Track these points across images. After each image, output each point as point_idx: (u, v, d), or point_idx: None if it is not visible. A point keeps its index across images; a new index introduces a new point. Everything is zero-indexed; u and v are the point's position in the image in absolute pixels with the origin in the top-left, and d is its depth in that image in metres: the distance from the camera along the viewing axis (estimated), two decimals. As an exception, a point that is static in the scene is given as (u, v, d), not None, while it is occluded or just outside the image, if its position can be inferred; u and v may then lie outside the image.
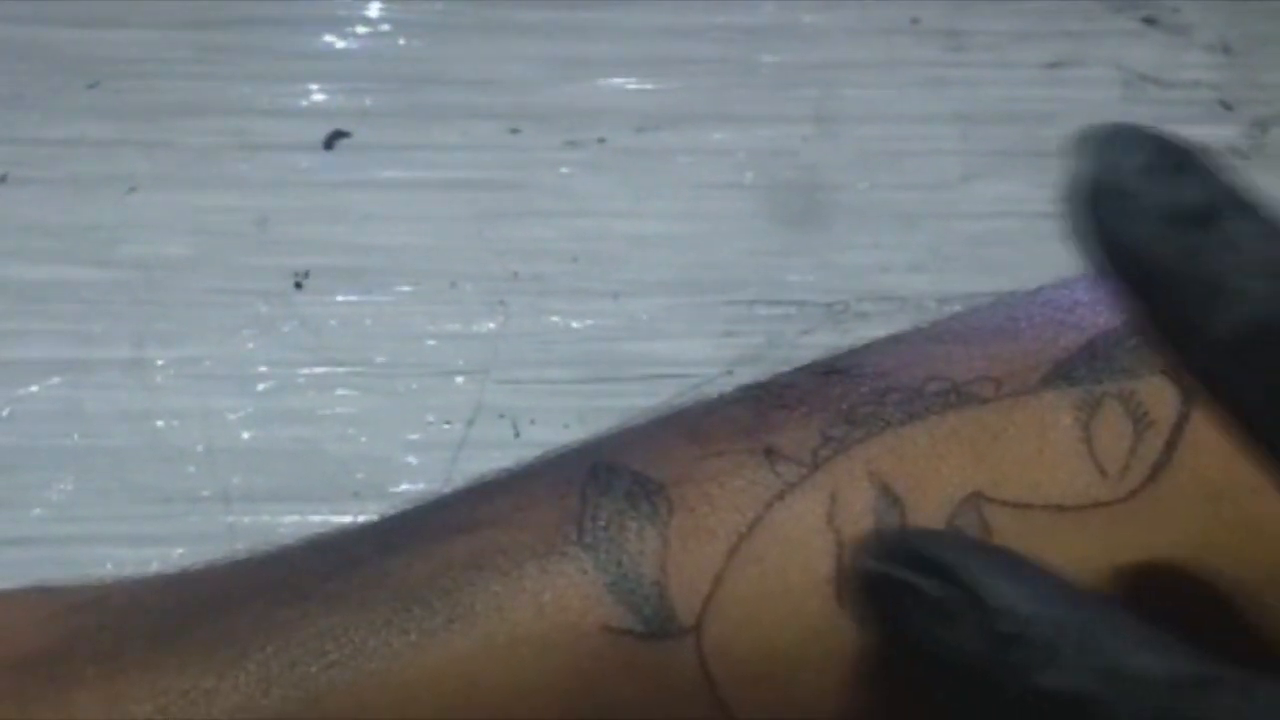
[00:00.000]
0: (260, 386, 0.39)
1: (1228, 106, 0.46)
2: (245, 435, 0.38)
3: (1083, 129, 0.22)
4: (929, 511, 0.24)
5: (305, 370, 0.40)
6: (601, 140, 0.45)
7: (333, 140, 0.44)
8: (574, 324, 0.41)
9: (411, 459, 0.38)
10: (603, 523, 0.24)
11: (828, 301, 0.41)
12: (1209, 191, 0.20)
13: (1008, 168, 0.44)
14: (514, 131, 0.45)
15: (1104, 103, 0.46)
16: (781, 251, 0.43)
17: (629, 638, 0.23)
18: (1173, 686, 0.20)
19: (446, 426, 0.39)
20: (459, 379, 0.40)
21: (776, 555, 0.24)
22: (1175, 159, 0.20)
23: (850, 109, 0.46)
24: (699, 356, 0.40)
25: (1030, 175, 0.44)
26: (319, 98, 0.45)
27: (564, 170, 0.44)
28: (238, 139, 0.44)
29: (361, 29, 0.47)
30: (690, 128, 0.45)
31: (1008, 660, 0.20)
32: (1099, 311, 0.26)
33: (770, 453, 0.25)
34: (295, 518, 0.37)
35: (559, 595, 0.24)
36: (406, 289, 0.42)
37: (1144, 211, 0.20)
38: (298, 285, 0.41)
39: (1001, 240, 0.43)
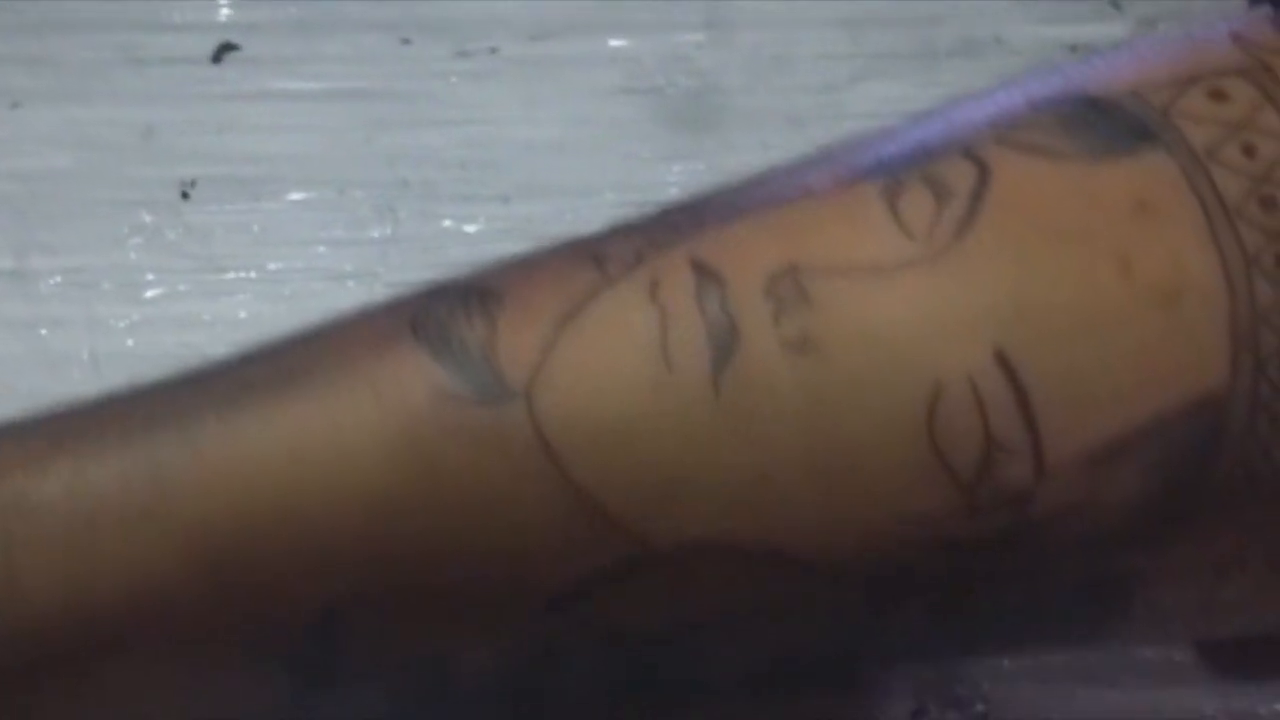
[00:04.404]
0: (147, 294, 0.39)
1: (1116, 6, 0.46)
2: (130, 342, 0.38)
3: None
4: (747, 282, 0.25)
5: (193, 277, 0.40)
6: (493, 50, 0.45)
7: (221, 53, 0.44)
8: (466, 228, 0.41)
9: (300, 362, 0.38)
10: (436, 317, 0.25)
11: (718, 201, 0.42)
12: None
13: (896, 69, 0.45)
14: (405, 42, 0.45)
15: (994, 3, 0.46)
16: (673, 155, 0.43)
17: (461, 402, 0.24)
18: None
19: (335, 329, 0.39)
20: (349, 283, 0.40)
21: (603, 328, 0.25)
22: None
23: (741, 15, 0.46)
24: (589, 256, 0.40)
25: (918, 76, 0.44)
26: (207, 13, 0.45)
27: (454, 80, 0.44)
28: (125, 54, 0.44)
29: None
30: (583, 37, 0.45)
31: None
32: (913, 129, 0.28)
33: (597, 257, 0.26)
34: (182, 420, 0.37)
35: (391, 371, 0.25)
36: (296, 197, 0.41)
37: None
38: (184, 195, 0.41)
39: (889, 138, 0.43)
